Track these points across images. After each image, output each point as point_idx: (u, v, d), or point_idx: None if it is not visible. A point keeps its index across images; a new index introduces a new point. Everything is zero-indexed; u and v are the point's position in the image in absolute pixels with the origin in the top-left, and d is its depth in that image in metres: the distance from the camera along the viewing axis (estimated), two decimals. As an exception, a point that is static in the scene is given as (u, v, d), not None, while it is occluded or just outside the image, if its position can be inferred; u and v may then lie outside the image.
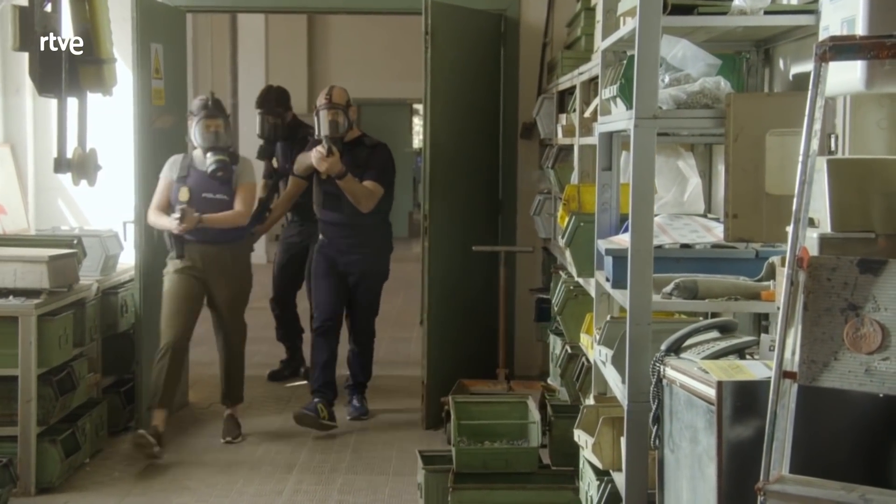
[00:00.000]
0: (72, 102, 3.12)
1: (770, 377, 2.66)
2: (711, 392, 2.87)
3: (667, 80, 3.44)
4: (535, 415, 5.01)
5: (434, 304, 6.57)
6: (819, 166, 2.79)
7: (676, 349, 3.18)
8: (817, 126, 2.62)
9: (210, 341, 7.89)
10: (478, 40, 7.10)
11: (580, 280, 4.72)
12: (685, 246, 3.73)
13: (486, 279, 6.90)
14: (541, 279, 7.27)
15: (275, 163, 7.52)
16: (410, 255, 12.15)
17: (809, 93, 2.62)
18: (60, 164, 3.04)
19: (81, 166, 3.11)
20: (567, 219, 4.67)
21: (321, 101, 6.36)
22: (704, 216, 4.23)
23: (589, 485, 3.95)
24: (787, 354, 2.65)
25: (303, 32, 16.96)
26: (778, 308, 2.68)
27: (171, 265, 6.01)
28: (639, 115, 3.33)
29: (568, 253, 4.61)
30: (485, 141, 7.16)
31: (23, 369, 5.03)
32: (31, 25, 2.90)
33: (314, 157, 6.19)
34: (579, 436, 3.90)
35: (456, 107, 6.79)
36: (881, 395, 2.59)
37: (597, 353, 3.86)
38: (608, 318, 3.92)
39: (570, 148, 5.83)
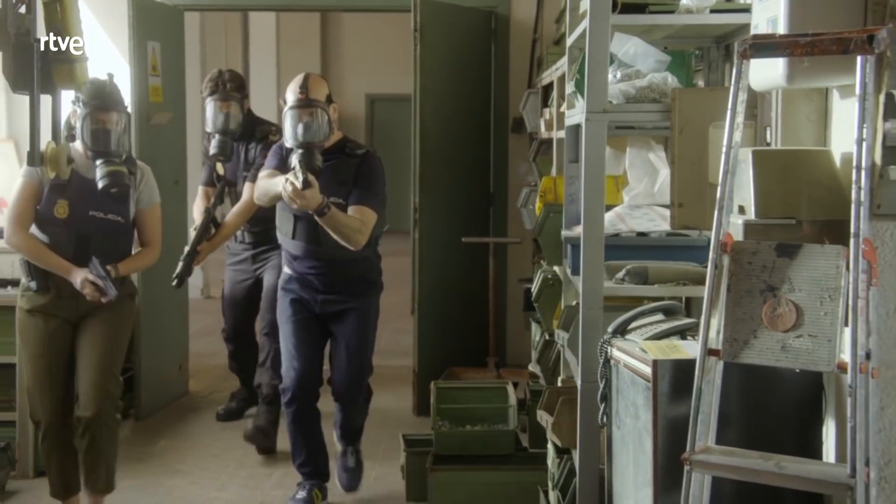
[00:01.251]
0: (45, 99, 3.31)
1: (701, 356, 2.83)
2: (649, 370, 3.05)
3: (618, 75, 3.61)
4: (512, 399, 5.19)
5: (425, 294, 6.76)
6: (745, 157, 2.96)
7: (622, 331, 3.36)
8: (739, 119, 2.80)
9: (213, 332, 8.17)
10: (468, 37, 7.27)
11: (556, 269, 4.89)
12: (641, 234, 3.90)
13: (477, 270, 7.08)
14: (531, 269, 7.45)
15: (219, 168, 6.01)
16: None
17: (731, 88, 2.79)
18: (34, 158, 3.25)
19: (54, 160, 3.31)
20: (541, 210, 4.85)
21: (292, 97, 4.66)
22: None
23: (551, 463, 4.13)
24: (712, 334, 2.82)
25: (315, 30, 17.18)
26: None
27: (29, 300, 4.50)
28: (590, 109, 3.51)
29: (540, 243, 4.79)
30: (476, 135, 7.34)
31: (20, 357, 5.23)
32: (6, 26, 3.11)
33: (284, 190, 4.45)
34: (541, 416, 4.08)
35: (446, 102, 6.97)
36: (797, 371, 2.77)
37: (557, 337, 4.04)
38: (569, 304, 4.10)
39: (550, 141, 6.00)
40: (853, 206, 2.62)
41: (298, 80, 4.70)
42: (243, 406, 6.50)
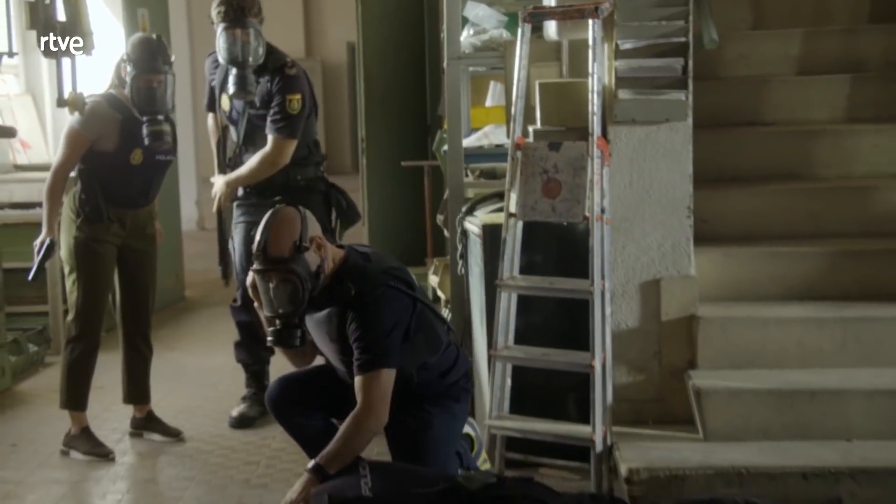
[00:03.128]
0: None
1: (500, 217, 4.37)
2: (479, 231, 4.59)
3: (471, 32, 5.10)
4: (433, 280, 6.73)
5: (374, 209, 8.31)
6: (536, 87, 4.47)
7: (471, 211, 4.89)
8: (525, 62, 4.29)
9: (206, 255, 9.79)
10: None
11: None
12: (498, 146, 5.42)
13: (416, 188, 8.61)
14: (463, 187, 8.98)
15: (225, 103, 5.24)
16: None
17: (518, 42, 4.29)
18: (60, 102, 4.73)
19: (74, 103, 4.79)
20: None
21: (254, 258, 3.77)
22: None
23: (445, 312, 5.70)
24: (513, 204, 4.34)
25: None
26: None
27: (85, 230, 4.86)
28: (449, 56, 5.01)
29: (438, 157, 6.31)
30: (413, 74, 8.83)
31: (50, 262, 6.76)
32: (37, 12, 4.67)
33: None
34: (433, 280, 5.62)
35: (388, 48, 8.48)
36: (565, 224, 4.29)
37: (438, 221, 5.58)
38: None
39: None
40: (590, 116, 4.14)
41: (260, 230, 3.77)
42: (258, 411, 5.27)
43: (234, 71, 4.96)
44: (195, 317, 8.10)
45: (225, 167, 5.24)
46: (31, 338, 6.49)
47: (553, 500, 3.51)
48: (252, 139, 5.08)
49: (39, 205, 6.77)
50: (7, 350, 6.07)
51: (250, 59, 4.96)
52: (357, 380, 3.67)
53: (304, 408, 3.96)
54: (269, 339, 3.80)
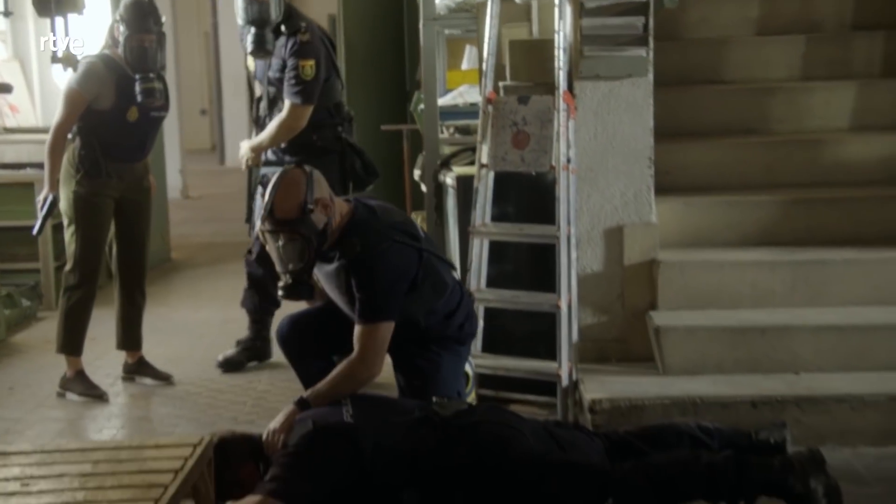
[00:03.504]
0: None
1: (473, 167, 4.64)
2: (454, 183, 4.85)
3: (445, -6, 5.36)
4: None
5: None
6: (505, 45, 4.73)
7: (446, 163, 5.16)
8: (496, 21, 4.55)
9: (191, 221, 10.11)
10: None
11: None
12: (472, 104, 5.68)
13: (396, 150, 8.87)
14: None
15: (250, 63, 5.45)
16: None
17: (489, 2, 4.55)
18: (55, 58, 4.99)
19: (67, 59, 5.04)
20: (420, 94, 6.62)
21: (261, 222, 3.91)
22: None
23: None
24: (484, 156, 4.61)
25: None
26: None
27: (87, 186, 5.06)
28: (425, 17, 5.26)
29: (415, 117, 6.56)
30: (392, 44, 9.07)
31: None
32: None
33: None
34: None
35: (366, 17, 8.74)
36: (533, 173, 4.56)
37: (415, 175, 5.85)
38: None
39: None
40: (555, 72, 4.40)
41: (267, 194, 3.88)
42: (246, 356, 5.59)
43: (252, 30, 5.06)
44: (181, 276, 8.36)
45: (257, 127, 5.41)
46: (23, 293, 6.73)
47: (519, 425, 3.77)
48: (275, 101, 5.21)
49: (29, 166, 7.08)
50: (1, 304, 6.32)
51: (270, 16, 5.02)
52: (356, 328, 3.82)
53: (311, 347, 4.17)
54: (280, 292, 3.96)
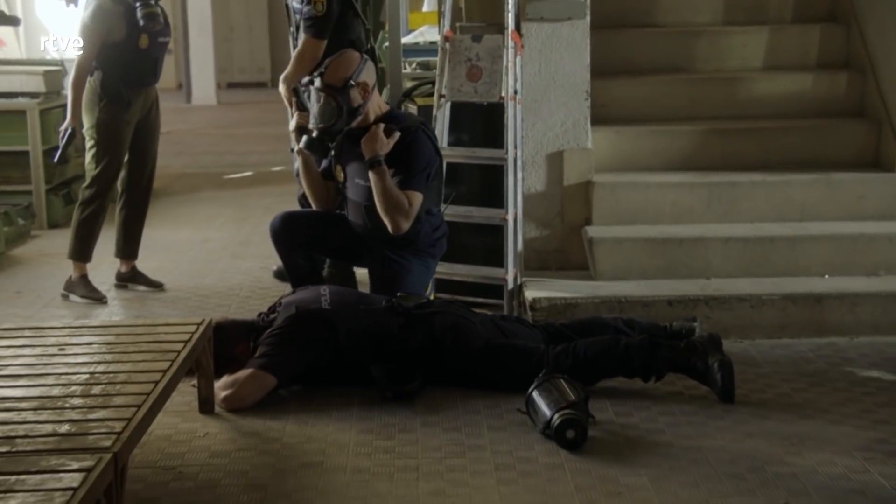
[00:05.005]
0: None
1: (431, 96, 5.29)
2: (416, 111, 5.50)
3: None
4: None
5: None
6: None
7: (408, 94, 5.79)
8: (453, -31, 5.17)
9: (165, 156, 10.64)
10: None
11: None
12: (432, 43, 6.30)
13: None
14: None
15: None
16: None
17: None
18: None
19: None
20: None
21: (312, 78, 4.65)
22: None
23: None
24: (442, 88, 5.25)
25: None
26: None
27: (110, 111, 5.63)
28: (390, -36, 5.85)
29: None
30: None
31: (32, 146, 7.56)
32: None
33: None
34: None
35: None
36: (485, 103, 5.21)
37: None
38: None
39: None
40: (506, 14, 5.05)
41: (327, 60, 4.70)
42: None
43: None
44: (160, 202, 8.90)
45: None
46: (18, 212, 7.31)
47: (470, 316, 4.47)
48: (299, 30, 5.47)
49: (21, 95, 7.63)
50: (1, 221, 6.90)
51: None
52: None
53: (300, 242, 4.84)
54: (301, 144, 4.68)
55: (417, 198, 4.62)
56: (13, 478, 2.58)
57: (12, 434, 2.89)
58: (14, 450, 2.79)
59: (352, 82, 4.60)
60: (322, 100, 4.61)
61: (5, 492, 2.51)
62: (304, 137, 4.68)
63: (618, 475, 3.46)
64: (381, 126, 4.61)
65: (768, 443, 3.72)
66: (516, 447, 3.71)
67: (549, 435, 3.71)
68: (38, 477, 2.59)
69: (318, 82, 4.62)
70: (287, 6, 5.71)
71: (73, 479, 2.56)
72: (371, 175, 4.59)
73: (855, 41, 5.90)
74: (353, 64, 4.66)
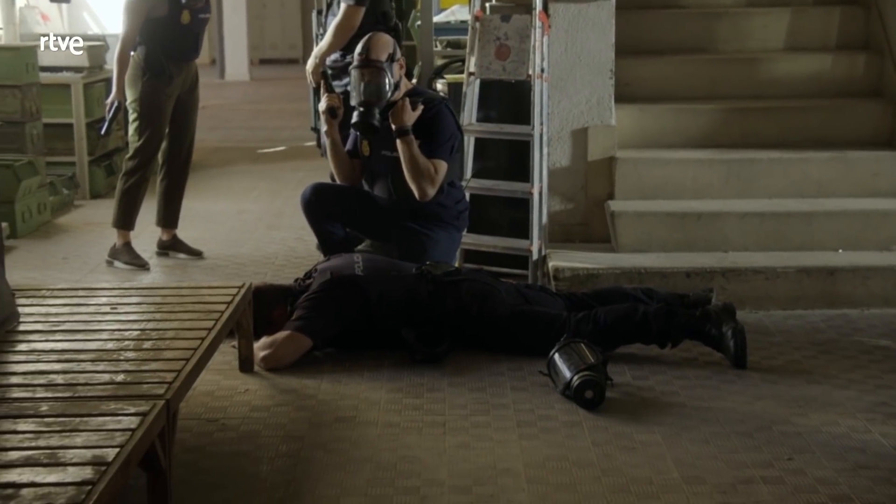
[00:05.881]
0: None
1: (463, 74, 5.50)
2: (445, 89, 5.72)
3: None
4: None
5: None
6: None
7: (439, 72, 6.01)
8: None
9: (202, 129, 10.91)
10: None
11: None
12: (462, 22, 6.51)
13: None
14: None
15: None
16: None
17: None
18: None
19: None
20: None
21: (356, 57, 4.93)
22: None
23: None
24: (472, 66, 5.46)
25: None
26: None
27: (154, 85, 5.88)
28: (423, -54, 6.06)
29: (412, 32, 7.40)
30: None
31: (76, 118, 7.84)
32: None
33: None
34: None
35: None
36: (512, 81, 5.42)
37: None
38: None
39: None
40: (533, -5, 5.25)
41: (364, 39, 4.96)
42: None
43: None
44: (197, 175, 9.08)
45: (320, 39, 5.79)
46: (63, 183, 7.60)
47: (496, 283, 4.70)
48: (330, 5, 5.63)
49: (65, 69, 7.90)
50: (47, 191, 7.18)
51: None
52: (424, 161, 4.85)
53: (330, 213, 5.10)
54: (354, 121, 4.86)
55: (442, 166, 4.90)
56: (77, 419, 2.85)
57: (73, 382, 3.16)
58: (76, 395, 3.05)
59: (395, 58, 4.92)
60: (367, 77, 4.85)
61: (72, 430, 2.77)
62: (356, 116, 4.86)
63: (632, 432, 3.69)
64: (408, 99, 4.87)
65: (776, 405, 3.93)
66: (538, 406, 3.94)
67: (569, 395, 3.94)
68: (99, 419, 2.85)
69: (358, 62, 4.87)
70: None
71: (130, 422, 2.82)
72: (399, 144, 4.85)
73: (874, 23, 6.06)
74: (390, 41, 4.97)
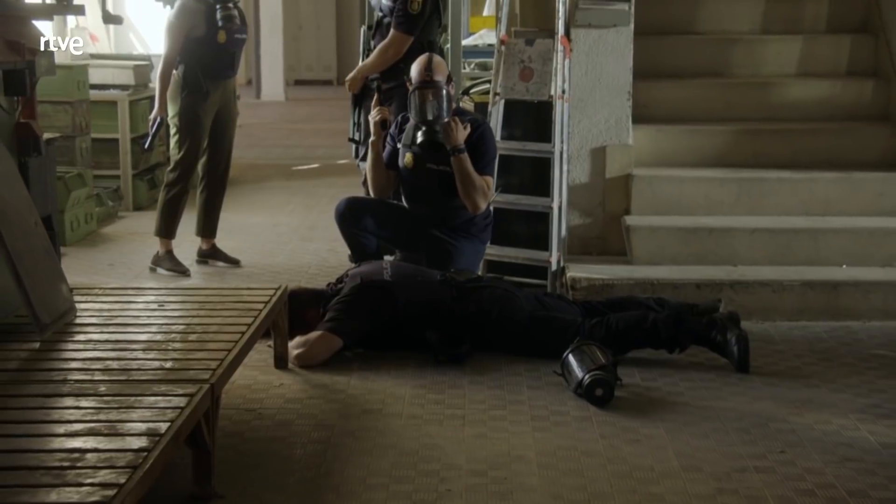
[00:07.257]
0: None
1: (489, 95, 5.83)
2: (472, 107, 6.04)
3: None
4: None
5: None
6: (517, -1, 5.90)
7: (467, 92, 6.34)
8: (509, -21, 5.71)
9: (238, 147, 11.30)
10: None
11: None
12: (489, 45, 6.84)
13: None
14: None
15: None
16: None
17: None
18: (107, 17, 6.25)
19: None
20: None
21: (418, 77, 5.21)
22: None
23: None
24: (499, 86, 5.79)
25: None
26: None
27: (193, 100, 6.16)
28: (453, -27, 6.41)
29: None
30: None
31: (121, 134, 8.23)
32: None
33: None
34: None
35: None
36: (535, 102, 5.74)
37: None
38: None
39: None
40: (557, 20, 5.57)
41: (423, 60, 5.26)
42: None
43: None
44: (234, 189, 9.48)
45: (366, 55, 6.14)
46: (108, 195, 7.98)
47: (515, 291, 5.00)
48: (379, 26, 5.95)
49: (112, 87, 8.30)
50: (93, 202, 7.56)
51: None
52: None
53: (363, 227, 5.41)
54: (420, 138, 5.19)
55: (491, 182, 5.34)
56: (132, 398, 3.18)
57: (127, 367, 3.50)
58: (130, 378, 3.39)
59: (452, 78, 5.31)
60: (431, 96, 5.17)
61: (128, 408, 3.11)
62: (421, 134, 5.19)
63: (638, 426, 3.98)
64: (458, 118, 5.20)
65: (774, 405, 4.21)
66: (551, 402, 4.24)
67: (581, 393, 4.24)
68: (151, 398, 3.19)
69: (423, 81, 5.17)
70: (368, 3, 6.06)
71: (180, 401, 3.15)
72: (455, 161, 5.16)
73: (882, 51, 6.35)
74: (444, 63, 5.34)
